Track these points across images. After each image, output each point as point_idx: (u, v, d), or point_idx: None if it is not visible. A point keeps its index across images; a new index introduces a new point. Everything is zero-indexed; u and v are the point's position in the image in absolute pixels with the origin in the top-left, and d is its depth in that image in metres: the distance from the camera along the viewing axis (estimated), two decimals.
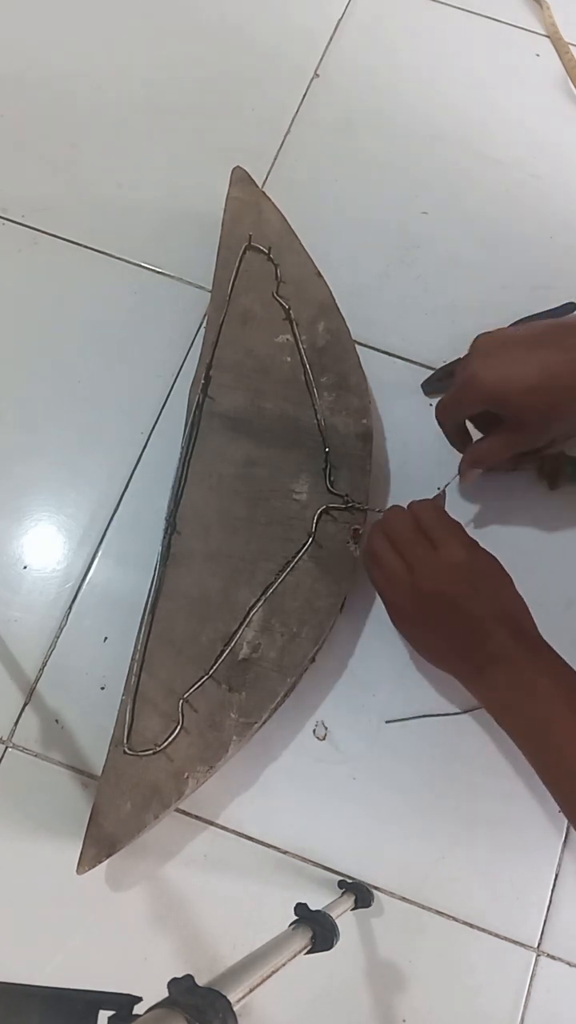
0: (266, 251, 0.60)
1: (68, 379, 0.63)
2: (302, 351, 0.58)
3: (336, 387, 0.57)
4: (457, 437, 0.55)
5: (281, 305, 0.59)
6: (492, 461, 0.54)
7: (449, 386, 0.61)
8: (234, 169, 0.63)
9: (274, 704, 0.51)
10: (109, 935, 0.52)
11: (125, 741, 0.49)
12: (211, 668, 0.51)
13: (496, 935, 0.52)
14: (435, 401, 0.62)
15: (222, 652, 0.51)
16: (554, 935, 0.52)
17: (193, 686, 0.50)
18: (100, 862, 0.47)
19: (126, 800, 0.48)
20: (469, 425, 0.56)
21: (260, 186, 0.68)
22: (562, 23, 0.74)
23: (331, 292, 0.60)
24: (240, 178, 0.63)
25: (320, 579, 0.53)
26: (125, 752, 0.49)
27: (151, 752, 0.49)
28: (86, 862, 0.47)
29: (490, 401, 0.50)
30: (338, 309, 0.59)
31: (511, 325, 0.63)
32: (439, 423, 0.54)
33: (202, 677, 0.50)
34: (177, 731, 0.49)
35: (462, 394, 0.51)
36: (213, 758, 0.49)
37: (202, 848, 0.53)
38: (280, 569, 0.53)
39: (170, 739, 0.49)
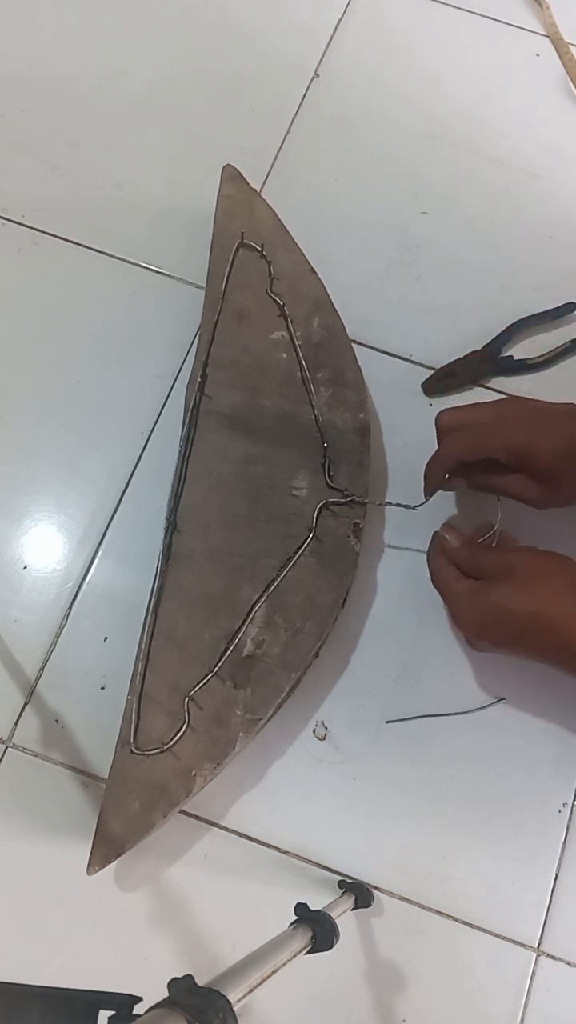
0: (259, 248, 0.60)
1: (68, 379, 0.63)
2: (297, 347, 0.58)
3: (332, 382, 0.57)
4: (454, 466, 0.53)
5: (275, 302, 0.59)
6: (487, 490, 0.53)
7: (450, 386, 0.62)
8: (225, 167, 0.63)
9: (279, 700, 0.51)
10: (109, 935, 0.52)
11: (132, 740, 0.49)
12: (215, 665, 0.51)
13: (496, 935, 0.52)
14: (435, 401, 0.62)
15: (226, 649, 0.51)
16: (554, 935, 0.52)
17: (198, 684, 0.50)
18: (110, 862, 0.47)
19: (134, 800, 0.48)
20: None
21: (260, 186, 0.68)
22: (562, 23, 0.74)
23: (325, 288, 0.60)
24: (231, 176, 0.63)
25: (322, 574, 0.53)
26: (132, 752, 0.49)
27: (158, 751, 0.49)
28: (96, 862, 0.47)
29: (512, 454, 0.49)
30: (332, 305, 0.59)
31: (509, 326, 0.63)
32: (442, 441, 0.53)
33: (207, 675, 0.50)
34: (183, 729, 0.49)
35: (487, 432, 0.50)
36: (220, 755, 0.49)
37: (202, 848, 0.53)
38: (281, 565, 0.53)
39: (177, 737, 0.49)
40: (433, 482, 0.53)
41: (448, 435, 0.52)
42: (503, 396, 0.60)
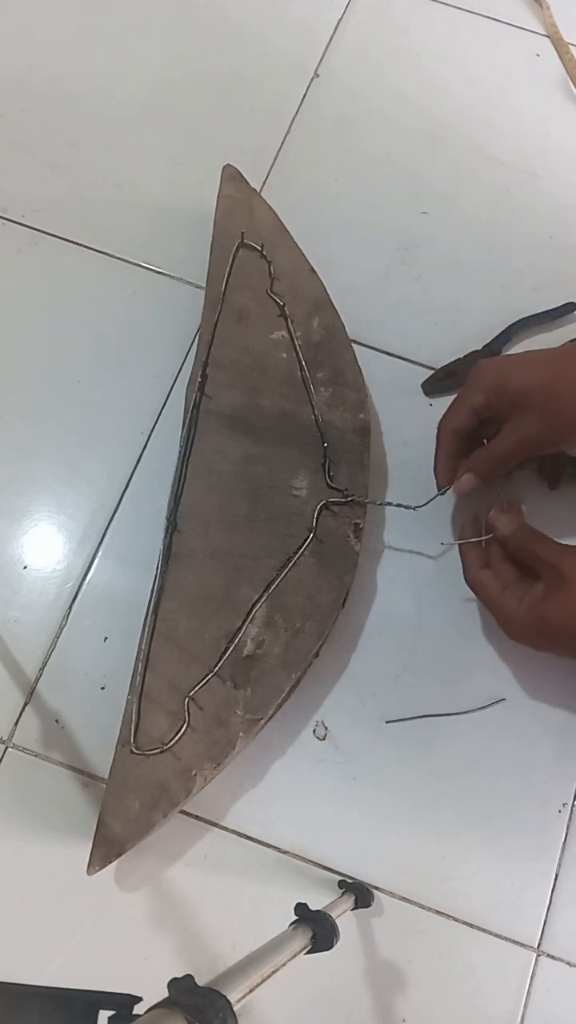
0: (259, 248, 0.60)
1: (68, 379, 0.63)
2: (297, 347, 0.58)
3: (332, 382, 0.57)
4: (451, 438, 0.53)
5: (275, 302, 0.59)
6: (502, 463, 0.52)
7: (450, 386, 0.62)
8: (225, 167, 0.63)
9: (279, 700, 0.51)
10: (109, 935, 0.52)
11: (132, 740, 0.49)
12: (216, 665, 0.51)
13: (496, 935, 0.52)
14: (435, 401, 0.62)
15: (226, 649, 0.51)
16: (554, 935, 0.52)
17: (198, 684, 0.50)
18: (110, 862, 0.47)
19: (134, 799, 0.48)
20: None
21: (260, 186, 0.68)
22: (562, 23, 0.74)
23: (325, 288, 0.60)
24: (231, 176, 0.63)
25: (322, 574, 0.53)
26: (132, 752, 0.49)
27: (158, 751, 0.49)
28: (96, 862, 0.47)
29: (491, 391, 0.50)
30: (332, 304, 0.59)
31: (509, 326, 0.63)
32: (439, 433, 0.54)
33: (207, 675, 0.50)
34: (184, 729, 0.49)
35: (465, 388, 0.51)
36: (220, 755, 0.49)
37: (202, 848, 0.53)
38: (282, 565, 0.53)
39: (177, 737, 0.49)
40: (443, 477, 0.54)
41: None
42: None
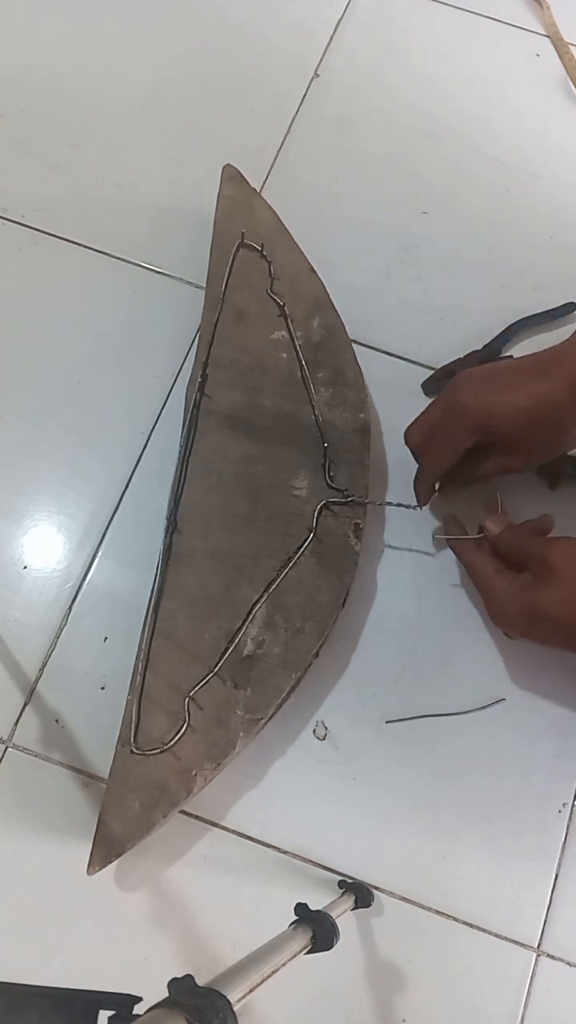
0: (259, 248, 0.60)
1: (68, 379, 0.63)
2: (298, 347, 0.58)
3: (332, 382, 0.57)
4: (441, 475, 0.53)
5: (275, 302, 0.59)
6: (478, 480, 0.53)
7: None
8: (225, 167, 0.63)
9: (279, 700, 0.51)
10: (109, 935, 0.52)
11: (132, 740, 0.49)
12: (216, 665, 0.51)
13: (496, 935, 0.52)
14: None
15: (226, 649, 0.51)
16: (554, 935, 0.52)
17: (198, 684, 0.50)
18: (110, 862, 0.47)
19: (134, 799, 0.48)
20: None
21: (260, 186, 0.68)
22: (562, 23, 0.74)
23: (325, 288, 0.60)
24: (231, 176, 0.63)
25: (322, 574, 0.53)
26: (132, 752, 0.49)
27: (158, 751, 0.49)
28: (96, 862, 0.47)
29: (479, 431, 0.49)
30: (332, 304, 0.59)
31: (509, 326, 0.63)
32: (424, 455, 0.53)
33: (207, 675, 0.50)
34: (184, 729, 0.49)
35: (454, 429, 0.50)
36: (220, 755, 0.49)
37: (202, 848, 0.53)
38: (282, 565, 0.53)
39: (177, 737, 0.49)
40: (425, 498, 0.55)
41: (421, 450, 0.53)
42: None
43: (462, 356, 0.62)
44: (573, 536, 0.49)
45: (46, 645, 0.57)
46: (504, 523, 0.52)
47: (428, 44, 0.74)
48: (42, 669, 0.56)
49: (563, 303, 0.64)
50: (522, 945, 0.51)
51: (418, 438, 0.53)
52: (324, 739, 0.55)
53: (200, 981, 0.31)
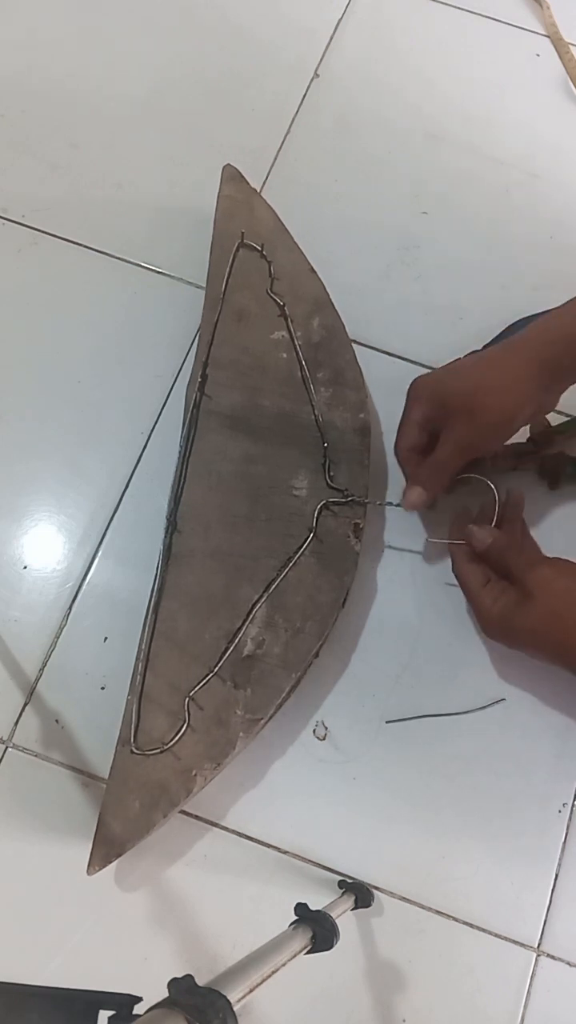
0: (259, 248, 0.60)
1: (68, 379, 0.63)
2: (298, 347, 0.58)
3: (332, 382, 0.57)
4: (408, 458, 0.54)
5: (275, 302, 0.59)
6: (448, 471, 0.53)
7: None
8: (225, 167, 0.63)
9: (279, 700, 0.51)
10: (109, 935, 0.52)
11: (132, 740, 0.49)
12: (216, 665, 0.51)
13: (496, 935, 0.52)
14: None
15: (226, 649, 0.51)
16: (554, 935, 0.52)
17: (199, 684, 0.50)
18: (110, 862, 0.47)
19: (134, 799, 0.48)
20: None
21: (260, 186, 0.68)
22: (562, 23, 0.74)
23: (325, 288, 0.60)
24: (231, 176, 0.63)
25: (322, 574, 0.53)
26: (132, 752, 0.49)
27: (158, 751, 0.49)
28: (96, 862, 0.47)
29: (427, 401, 0.52)
30: (332, 305, 0.59)
31: (509, 326, 0.63)
32: (397, 456, 0.55)
33: (207, 675, 0.50)
34: (184, 729, 0.49)
35: (407, 404, 0.53)
36: (220, 755, 0.49)
37: (202, 848, 0.53)
38: (282, 565, 0.53)
39: (177, 737, 0.49)
40: (404, 455, 0.55)
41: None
42: None
43: (462, 356, 0.62)
44: (573, 535, 0.49)
45: (46, 645, 0.57)
46: (491, 535, 0.52)
47: (428, 44, 0.74)
48: (42, 669, 0.56)
49: (563, 303, 0.64)
50: (522, 945, 0.51)
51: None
52: (324, 739, 0.55)
53: (200, 981, 0.31)
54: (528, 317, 0.63)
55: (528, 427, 0.58)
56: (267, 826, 0.53)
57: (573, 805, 0.54)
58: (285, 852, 0.53)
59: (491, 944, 0.51)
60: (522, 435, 0.57)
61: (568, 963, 0.51)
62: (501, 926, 0.52)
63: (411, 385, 0.53)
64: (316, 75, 0.72)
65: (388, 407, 0.62)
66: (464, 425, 0.51)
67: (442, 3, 0.75)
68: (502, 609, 0.49)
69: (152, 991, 0.30)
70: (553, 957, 0.51)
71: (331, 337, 0.58)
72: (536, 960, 0.51)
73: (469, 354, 0.61)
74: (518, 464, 0.59)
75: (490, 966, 0.51)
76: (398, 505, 0.57)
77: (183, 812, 0.53)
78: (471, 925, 0.52)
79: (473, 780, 0.54)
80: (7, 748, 0.55)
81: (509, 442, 0.54)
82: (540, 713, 0.55)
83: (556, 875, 0.53)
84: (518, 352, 0.51)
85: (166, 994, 0.30)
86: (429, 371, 0.54)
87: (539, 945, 0.51)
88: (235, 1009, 0.30)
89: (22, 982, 0.29)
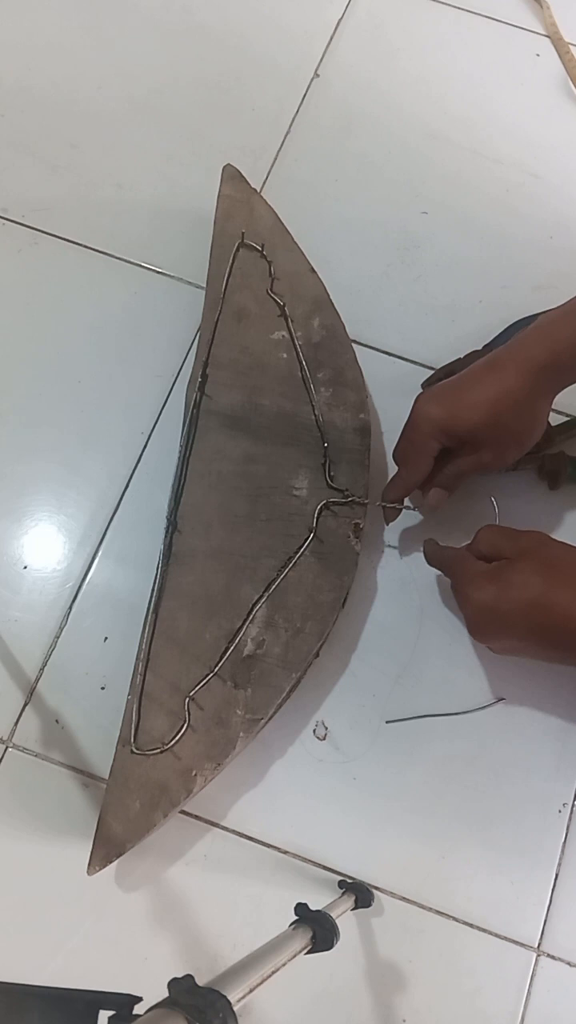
0: (259, 248, 0.60)
1: (68, 379, 0.63)
2: (298, 347, 0.58)
3: (333, 382, 0.57)
4: (415, 486, 0.54)
5: (276, 302, 0.59)
6: (460, 483, 0.54)
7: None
8: (225, 167, 0.63)
9: (280, 700, 0.51)
10: (109, 935, 0.52)
11: (132, 740, 0.49)
12: (216, 665, 0.51)
13: (496, 935, 0.52)
14: None
15: (226, 649, 0.51)
16: (554, 935, 0.52)
17: (199, 684, 0.50)
18: (110, 862, 0.47)
19: (135, 800, 0.48)
20: None
21: (260, 186, 0.68)
22: (562, 23, 0.74)
23: (325, 288, 0.60)
24: (231, 176, 0.63)
25: (322, 574, 0.53)
26: (132, 751, 0.49)
27: (158, 751, 0.49)
28: (96, 862, 0.47)
29: (442, 436, 0.51)
30: (332, 304, 0.59)
31: (509, 326, 0.63)
32: (399, 467, 0.54)
33: (207, 675, 0.50)
34: (184, 729, 0.49)
35: (416, 438, 0.52)
36: (220, 755, 0.49)
37: (202, 848, 0.53)
38: (282, 565, 0.53)
39: (177, 737, 0.49)
40: (391, 500, 0.55)
41: (399, 464, 0.55)
42: None
43: (462, 356, 0.62)
44: (573, 535, 0.49)
45: (46, 645, 0.57)
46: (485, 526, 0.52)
47: (428, 44, 0.74)
48: (42, 669, 0.56)
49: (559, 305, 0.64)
50: (522, 945, 0.51)
51: (398, 454, 0.55)
52: (324, 739, 0.55)
53: (200, 981, 0.31)
54: (528, 317, 0.63)
55: None
56: (267, 826, 0.53)
57: (573, 805, 0.54)
58: (285, 852, 0.53)
59: (491, 944, 0.51)
60: None
61: (568, 963, 0.51)
62: (501, 926, 0.52)
63: (417, 417, 0.52)
64: (316, 75, 0.72)
65: (388, 407, 0.62)
66: (488, 452, 0.52)
67: (442, 3, 0.75)
68: (490, 576, 0.47)
69: (152, 991, 0.30)
70: (553, 957, 0.51)
71: (331, 337, 0.58)
72: (536, 960, 0.51)
73: (469, 354, 0.62)
74: (518, 464, 0.59)
75: (490, 966, 0.51)
76: (397, 505, 0.57)
77: (183, 812, 0.53)
78: (471, 925, 0.52)
79: (473, 780, 0.54)
80: (7, 748, 0.55)
81: None
82: (540, 713, 0.55)
83: (556, 875, 0.53)
84: (523, 366, 0.50)
85: (166, 994, 0.30)
86: (430, 392, 0.52)
87: (539, 945, 0.51)
88: (235, 1009, 0.30)
89: (22, 982, 0.29)
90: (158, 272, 0.66)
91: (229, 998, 0.31)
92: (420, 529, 0.59)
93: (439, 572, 0.57)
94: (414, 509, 0.56)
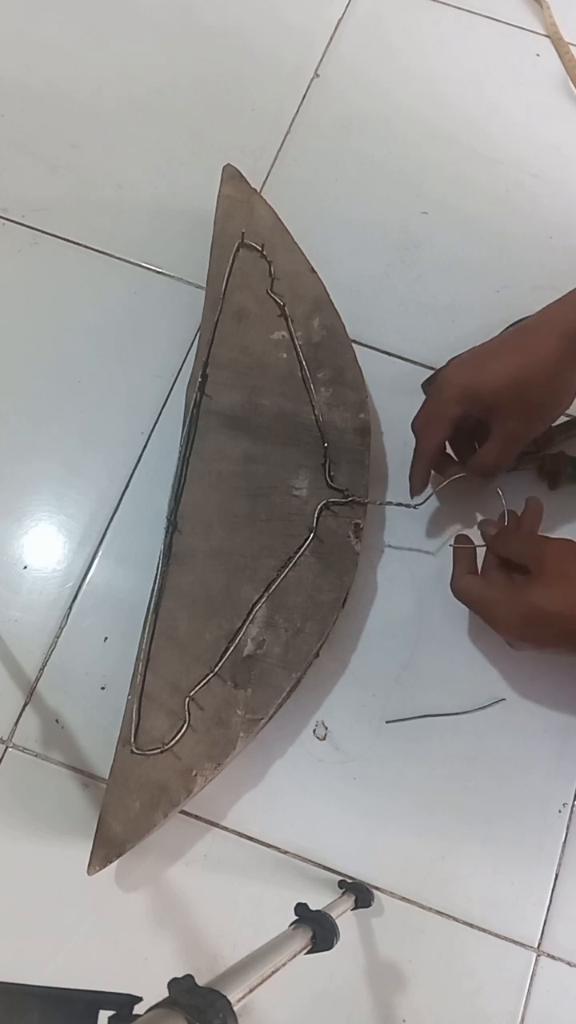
0: (259, 248, 0.60)
1: (68, 379, 0.63)
2: (298, 347, 0.58)
3: (332, 382, 0.57)
4: (433, 453, 0.54)
5: (276, 302, 0.59)
6: (499, 465, 0.53)
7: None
8: (225, 167, 0.63)
9: (280, 700, 0.51)
10: (109, 935, 0.52)
11: (132, 740, 0.49)
12: (216, 665, 0.51)
13: (496, 935, 0.52)
14: None
15: (227, 649, 0.51)
16: (554, 935, 0.52)
17: (199, 684, 0.50)
18: (110, 862, 0.47)
19: (135, 800, 0.48)
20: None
21: (260, 186, 0.68)
22: (562, 23, 0.74)
23: (325, 288, 0.60)
24: (231, 176, 0.63)
25: (322, 574, 0.53)
26: (132, 752, 0.49)
27: (158, 751, 0.49)
28: (96, 862, 0.47)
29: (465, 400, 0.50)
30: (332, 304, 0.59)
31: (509, 326, 0.63)
32: (417, 437, 0.54)
33: (207, 675, 0.50)
34: (184, 729, 0.49)
35: (438, 401, 0.51)
36: (220, 755, 0.49)
37: (202, 848, 0.53)
38: (282, 565, 0.53)
39: (177, 737, 0.49)
40: (420, 482, 0.54)
41: (417, 434, 0.54)
42: None
43: (474, 346, 0.62)
44: (572, 538, 0.49)
45: (46, 645, 0.57)
46: (497, 526, 0.53)
47: (428, 44, 0.74)
48: (42, 669, 0.56)
49: None
50: (522, 945, 0.51)
51: (417, 422, 0.54)
52: (324, 739, 0.55)
53: (200, 981, 0.31)
54: (528, 317, 0.63)
55: None
56: (267, 826, 0.53)
57: (573, 805, 0.54)
58: (285, 852, 0.53)
59: (491, 944, 0.51)
60: None
61: (568, 963, 0.51)
62: (501, 926, 0.52)
63: (442, 378, 0.52)
64: (316, 75, 0.72)
65: (388, 407, 0.62)
66: (513, 420, 0.50)
67: (442, 3, 0.75)
68: (514, 592, 0.48)
69: (152, 991, 0.30)
70: (553, 957, 0.51)
71: (331, 337, 0.58)
72: (536, 960, 0.51)
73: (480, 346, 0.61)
74: (518, 464, 0.59)
75: (490, 966, 0.51)
76: (398, 505, 0.57)
77: (183, 812, 0.53)
78: (471, 925, 0.52)
79: (473, 780, 0.54)
80: (7, 748, 0.55)
81: None
82: (540, 713, 0.55)
83: (556, 875, 0.53)
84: (546, 331, 0.49)
85: (166, 994, 0.30)
86: (457, 359, 0.52)
87: (539, 945, 0.51)
88: (235, 1009, 0.30)
89: (22, 982, 0.29)
90: (158, 272, 0.66)
91: (229, 998, 0.31)
92: (422, 528, 0.59)
93: (437, 572, 0.57)
94: (414, 508, 0.56)
